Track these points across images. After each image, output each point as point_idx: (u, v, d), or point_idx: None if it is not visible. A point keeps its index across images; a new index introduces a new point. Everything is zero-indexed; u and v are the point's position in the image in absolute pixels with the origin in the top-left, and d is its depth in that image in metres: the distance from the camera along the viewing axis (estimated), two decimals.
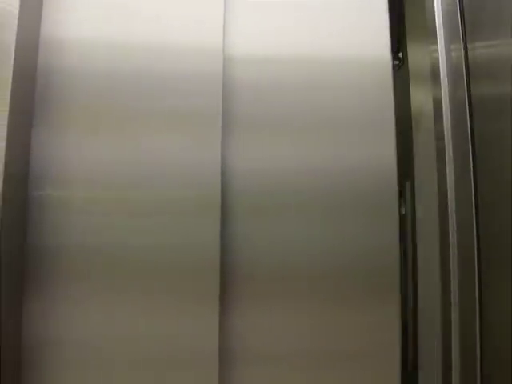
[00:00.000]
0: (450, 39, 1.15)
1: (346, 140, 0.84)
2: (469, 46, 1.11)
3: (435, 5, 1.18)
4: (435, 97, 1.18)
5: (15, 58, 0.80)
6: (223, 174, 0.80)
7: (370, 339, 0.77)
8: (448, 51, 1.17)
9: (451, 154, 1.12)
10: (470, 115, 1.09)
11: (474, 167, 1.06)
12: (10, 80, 0.79)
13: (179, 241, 0.78)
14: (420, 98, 1.27)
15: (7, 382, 0.74)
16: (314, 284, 0.78)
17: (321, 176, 0.81)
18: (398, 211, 0.79)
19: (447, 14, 1.16)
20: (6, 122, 0.78)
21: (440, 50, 1.18)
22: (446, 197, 1.08)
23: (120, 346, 0.75)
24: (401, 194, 1.33)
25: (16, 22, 0.80)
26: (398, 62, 1.40)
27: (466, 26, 1.12)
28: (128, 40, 0.85)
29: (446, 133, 1.13)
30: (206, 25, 0.85)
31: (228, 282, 0.77)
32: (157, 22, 0.84)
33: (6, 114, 0.78)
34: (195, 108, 0.83)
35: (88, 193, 0.81)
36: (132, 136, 0.81)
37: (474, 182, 1.05)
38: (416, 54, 1.32)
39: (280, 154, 0.83)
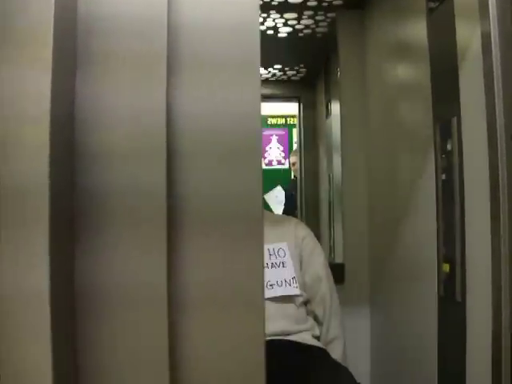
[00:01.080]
0: None
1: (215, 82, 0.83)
2: None
3: None
4: (483, 31, 1.12)
5: (55, 4, 0.80)
6: (169, 114, 0.80)
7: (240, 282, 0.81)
8: None
9: (501, 91, 1.07)
10: None
11: None
12: (52, 25, 0.79)
13: (127, 182, 0.80)
14: (467, 32, 1.21)
15: (62, 329, 0.77)
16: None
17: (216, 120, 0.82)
18: (260, 157, 0.80)
19: None
20: (50, 68, 0.78)
21: None
22: (496, 131, 1.04)
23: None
24: (447, 129, 1.29)
25: None
26: None
27: None
28: None
29: (495, 68, 1.08)
30: None
31: (175, 223, 0.79)
32: None
33: (50, 59, 0.78)
34: (139, 48, 0.82)
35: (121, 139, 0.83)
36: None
37: None
38: None
39: (222, 95, 0.83)
